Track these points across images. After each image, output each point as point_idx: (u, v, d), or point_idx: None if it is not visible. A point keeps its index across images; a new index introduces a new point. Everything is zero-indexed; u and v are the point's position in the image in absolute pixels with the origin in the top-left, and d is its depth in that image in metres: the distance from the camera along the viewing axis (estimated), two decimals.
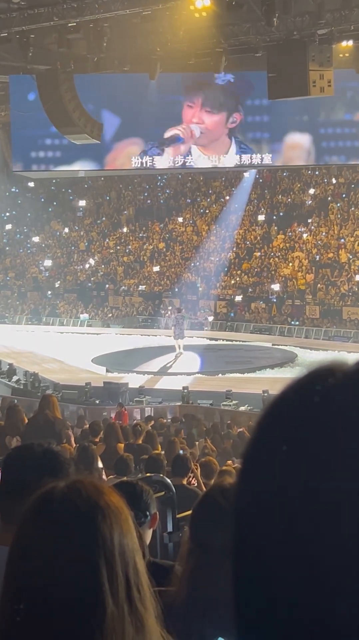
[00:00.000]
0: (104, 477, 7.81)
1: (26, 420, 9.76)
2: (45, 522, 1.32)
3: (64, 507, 1.32)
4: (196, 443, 13.25)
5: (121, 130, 26.69)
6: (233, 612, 0.77)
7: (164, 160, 27.16)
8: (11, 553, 1.34)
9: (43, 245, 45.49)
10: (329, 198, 39.43)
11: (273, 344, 30.59)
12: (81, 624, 1.27)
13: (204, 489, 7.00)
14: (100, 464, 8.36)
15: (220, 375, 24.61)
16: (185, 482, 7.12)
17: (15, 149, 27.49)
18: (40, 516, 1.34)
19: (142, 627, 1.33)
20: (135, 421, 15.32)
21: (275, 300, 35.51)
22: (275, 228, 39.38)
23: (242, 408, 19.45)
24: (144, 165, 27.16)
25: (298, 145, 26.69)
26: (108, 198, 46.36)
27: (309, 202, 39.87)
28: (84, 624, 1.27)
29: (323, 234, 37.83)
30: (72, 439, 9.94)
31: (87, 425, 13.15)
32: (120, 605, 1.30)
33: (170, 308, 35.76)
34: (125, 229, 43.95)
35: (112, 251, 42.94)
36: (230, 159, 26.97)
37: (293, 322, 33.92)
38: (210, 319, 36.21)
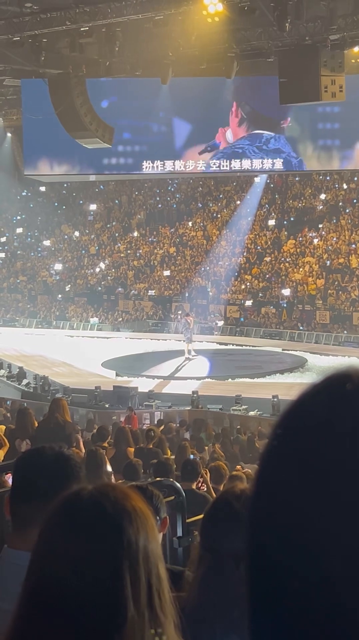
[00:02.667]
0: (113, 481, 7.80)
1: (36, 424, 9.76)
2: (71, 523, 1.32)
3: (92, 510, 1.32)
4: (206, 448, 13.23)
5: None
6: (246, 617, 0.76)
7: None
8: (35, 553, 1.34)
9: (53, 249, 45.59)
10: (340, 203, 39.37)
11: (283, 349, 30.57)
12: (101, 627, 1.27)
13: (213, 494, 6.98)
14: (109, 468, 8.35)
15: (229, 380, 24.58)
16: (194, 486, 7.11)
17: (26, 153, 27.58)
18: (66, 518, 1.33)
19: (161, 634, 1.33)
20: (147, 426, 15.31)
21: (285, 305, 35.45)
22: (286, 233, 39.34)
23: (252, 413, 19.42)
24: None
25: None
26: (119, 202, 46.43)
27: (321, 207, 39.81)
28: (104, 627, 1.27)
29: (334, 239, 37.76)
30: (82, 443, 9.93)
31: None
32: (141, 610, 1.30)
33: (180, 312, 35.77)
34: (135, 233, 43.99)
35: (122, 255, 42.99)
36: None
37: (302, 328, 33.87)
38: (220, 323, 36.17)
